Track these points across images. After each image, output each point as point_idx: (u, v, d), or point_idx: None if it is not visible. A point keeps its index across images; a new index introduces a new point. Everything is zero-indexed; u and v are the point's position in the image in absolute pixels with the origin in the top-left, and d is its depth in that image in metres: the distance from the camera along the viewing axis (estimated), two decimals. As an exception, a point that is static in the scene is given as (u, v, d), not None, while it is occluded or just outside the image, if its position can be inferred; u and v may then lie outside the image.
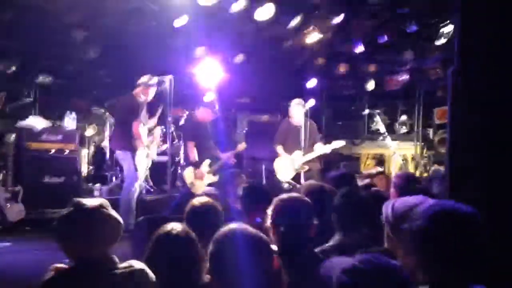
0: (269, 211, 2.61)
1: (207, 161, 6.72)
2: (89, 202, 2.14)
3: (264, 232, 2.29)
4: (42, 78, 7.82)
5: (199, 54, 7.82)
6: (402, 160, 8.87)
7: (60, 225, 2.11)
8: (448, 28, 7.11)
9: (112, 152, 7.54)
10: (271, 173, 7.66)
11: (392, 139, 8.53)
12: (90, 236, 2.06)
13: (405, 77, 8.81)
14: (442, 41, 7.20)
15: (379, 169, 5.86)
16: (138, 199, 6.41)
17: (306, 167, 7.14)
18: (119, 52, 7.84)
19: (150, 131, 6.82)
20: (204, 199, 3.18)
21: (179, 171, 7.90)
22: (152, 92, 6.54)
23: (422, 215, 1.65)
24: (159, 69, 6.93)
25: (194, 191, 6.47)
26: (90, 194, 7.26)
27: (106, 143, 8.07)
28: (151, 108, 6.87)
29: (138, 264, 2.12)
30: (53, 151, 6.81)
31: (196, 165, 6.64)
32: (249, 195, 3.64)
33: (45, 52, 7.65)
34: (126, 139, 6.30)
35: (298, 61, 8.82)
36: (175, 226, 2.26)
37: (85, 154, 8.02)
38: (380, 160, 9.46)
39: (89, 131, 8.17)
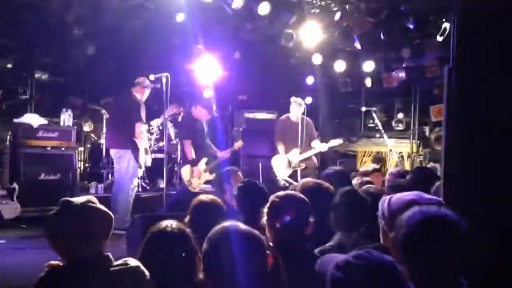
0: (265, 208, 2.61)
1: (204, 159, 6.73)
2: (77, 199, 2.14)
3: (261, 229, 2.29)
4: (38, 75, 7.79)
5: (197, 52, 7.80)
6: (398, 157, 8.88)
7: (50, 224, 2.11)
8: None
9: (108, 149, 7.52)
10: (268, 170, 7.65)
11: (389, 137, 8.54)
12: (80, 232, 2.05)
13: (402, 75, 8.81)
14: (444, 36, 7.10)
15: (375, 166, 5.85)
16: (134, 196, 6.42)
17: (303, 165, 7.15)
18: (116, 50, 7.83)
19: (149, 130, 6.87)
20: (210, 196, 3.21)
21: (176, 168, 7.89)
22: (147, 93, 6.69)
23: (405, 223, 1.66)
24: (156, 67, 6.91)
25: (191, 189, 6.48)
26: (86, 191, 7.23)
27: (102, 141, 8.05)
28: (149, 108, 6.89)
29: (133, 262, 2.11)
30: (49, 148, 6.79)
31: (193, 163, 6.63)
32: (245, 193, 3.64)
33: (41, 49, 7.62)
34: (126, 137, 6.30)
35: (295, 59, 8.80)
36: (170, 223, 2.26)
37: (81, 151, 8.00)
38: (377, 158, 9.46)
39: (85, 129, 8.14)
